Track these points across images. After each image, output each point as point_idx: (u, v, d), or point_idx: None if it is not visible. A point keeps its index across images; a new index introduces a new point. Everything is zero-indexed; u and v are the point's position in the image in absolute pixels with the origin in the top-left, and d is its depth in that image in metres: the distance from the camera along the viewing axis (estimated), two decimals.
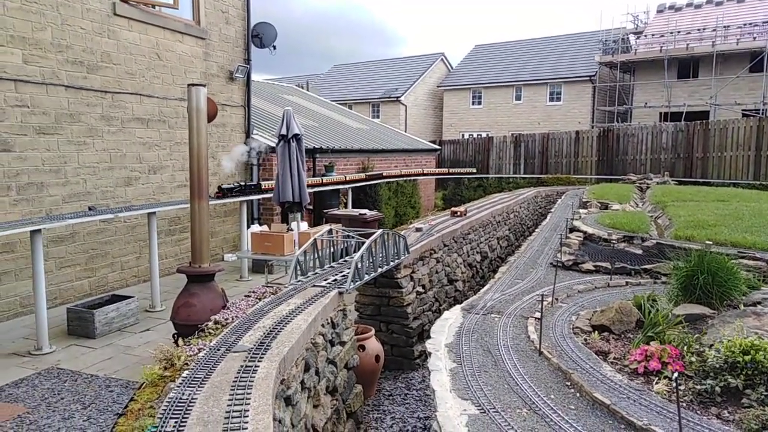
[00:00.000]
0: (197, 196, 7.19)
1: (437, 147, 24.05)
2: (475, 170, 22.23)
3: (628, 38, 32.37)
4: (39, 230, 7.12)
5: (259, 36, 13.55)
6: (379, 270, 5.97)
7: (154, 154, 10.92)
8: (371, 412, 6.00)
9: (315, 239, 5.88)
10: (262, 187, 11.28)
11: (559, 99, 33.12)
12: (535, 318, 5.03)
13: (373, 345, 5.95)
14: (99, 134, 9.74)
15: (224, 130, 12.76)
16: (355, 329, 5.52)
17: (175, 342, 6.97)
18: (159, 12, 10.86)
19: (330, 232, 6.46)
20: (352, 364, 5.09)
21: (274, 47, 13.86)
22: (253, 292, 4.95)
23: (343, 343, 4.95)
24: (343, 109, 25.01)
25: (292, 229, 9.45)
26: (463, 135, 34.43)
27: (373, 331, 6.11)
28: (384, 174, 16.74)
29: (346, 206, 14.80)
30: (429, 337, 7.72)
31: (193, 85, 7.07)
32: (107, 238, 10.02)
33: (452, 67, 39.73)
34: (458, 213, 10.82)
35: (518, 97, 34.53)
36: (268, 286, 5.28)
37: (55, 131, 9.00)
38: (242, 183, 10.98)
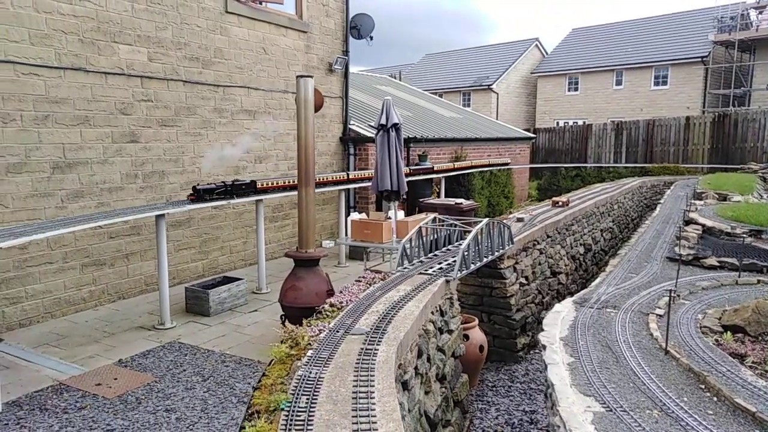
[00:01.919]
0: (304, 184, 7.46)
1: (532, 135, 23.28)
2: (586, 162, 21.24)
3: (748, 13, 29.42)
4: (163, 215, 7.71)
5: (356, 27, 13.75)
6: (485, 259, 5.88)
7: (260, 145, 11.45)
8: (475, 402, 5.96)
9: (420, 227, 5.90)
10: (258, 186, 8.99)
11: (665, 83, 30.86)
12: (657, 315, 4.73)
13: (477, 335, 5.89)
14: (212, 126, 10.36)
15: (323, 120, 13.10)
16: (461, 318, 5.48)
17: (283, 323, 7.31)
18: (265, 8, 11.32)
19: (435, 220, 6.45)
20: (458, 353, 5.07)
21: (371, 38, 14.01)
22: (363, 277, 5.06)
23: (450, 332, 4.94)
24: (435, 98, 24.87)
25: (390, 218, 9.56)
26: (557, 123, 33.10)
27: (476, 321, 6.05)
28: (477, 163, 16.47)
29: (438, 195, 14.73)
30: (530, 330, 7.57)
31: (302, 76, 7.31)
32: (218, 223, 10.67)
33: (547, 53, 38.21)
34: (560, 203, 10.41)
35: (618, 82, 32.58)
36: (375, 272, 5.37)
37: (175, 123, 9.68)
38: (231, 181, 8.62)
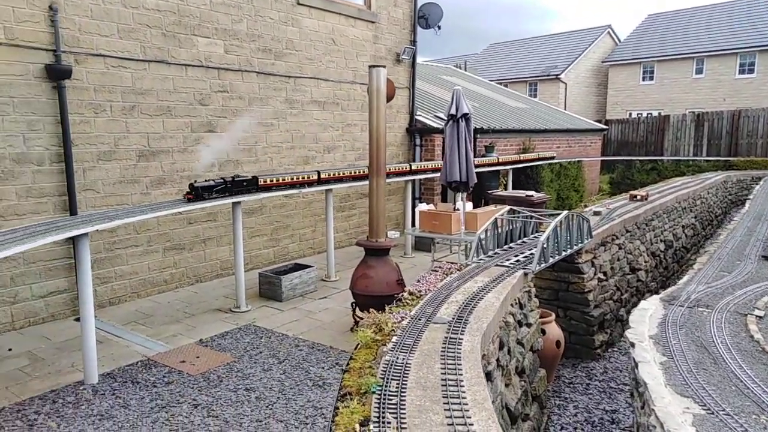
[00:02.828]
0: (376, 173, 7.49)
1: (603, 127, 22.38)
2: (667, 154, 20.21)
3: None
4: (239, 202, 7.97)
5: (424, 17, 13.63)
6: (563, 253, 5.70)
7: (329, 135, 11.60)
8: (552, 398, 5.82)
9: (496, 218, 5.79)
10: (259, 182, 8.06)
11: (751, 71, 28.80)
12: (756, 316, 4.43)
13: (554, 330, 5.74)
14: (283, 116, 10.59)
15: (390, 111, 13.09)
16: (539, 312, 5.35)
17: (353, 311, 7.42)
18: None
19: (511, 212, 6.32)
20: (536, 347, 4.95)
21: (439, 27, 13.86)
22: (440, 267, 5.03)
23: (529, 325, 4.83)
24: (501, 88, 24.36)
25: (458, 209, 9.46)
26: (630, 114, 31.63)
27: (553, 316, 5.89)
28: (545, 155, 16.01)
29: (505, 187, 14.44)
30: (608, 327, 7.27)
31: (375, 66, 7.33)
32: (288, 212, 10.92)
33: (620, 41, 36.52)
34: (638, 197, 9.95)
35: (699, 71, 30.68)
36: (452, 263, 5.32)
37: (248, 114, 9.96)
38: (231, 177, 7.75)
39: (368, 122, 7.46)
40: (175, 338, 7.05)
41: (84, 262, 5.71)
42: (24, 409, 5.25)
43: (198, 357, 6.44)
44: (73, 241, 6.47)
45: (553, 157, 16.33)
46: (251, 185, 7.93)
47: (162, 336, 7.10)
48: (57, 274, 7.63)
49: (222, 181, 7.56)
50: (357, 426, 2.39)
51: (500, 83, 30.39)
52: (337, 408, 2.57)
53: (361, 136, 12.28)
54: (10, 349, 6.60)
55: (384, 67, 7.25)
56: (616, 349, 7.23)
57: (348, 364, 3.05)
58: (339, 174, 9.58)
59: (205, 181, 7.48)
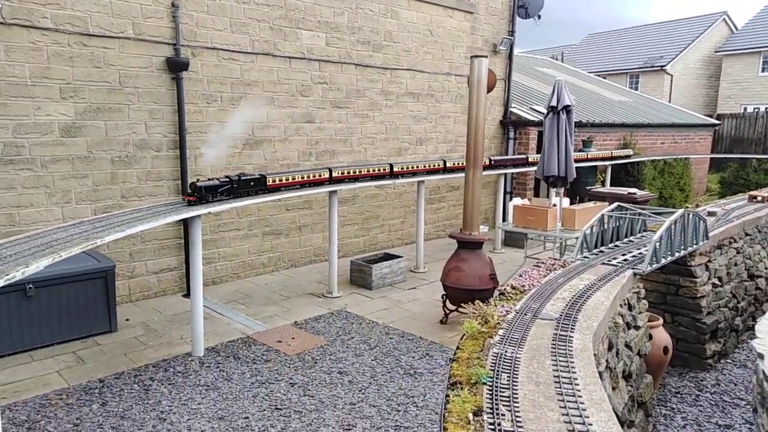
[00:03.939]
0: (472, 165, 7.39)
1: (714, 122, 20.68)
2: None
3: None
4: (335, 191, 8.17)
5: (524, 6, 13.23)
6: (676, 254, 5.34)
7: (422, 127, 11.60)
8: (658, 406, 5.49)
9: (603, 215, 5.52)
10: (267, 181, 7.11)
11: None
12: None
13: (662, 335, 5.40)
14: (378, 108, 10.72)
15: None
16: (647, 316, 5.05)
17: (444, 303, 7.40)
18: None
19: (619, 208, 6.00)
20: (644, 351, 4.69)
21: (539, 17, 13.39)
22: (543, 263, 4.89)
23: (637, 327, 4.58)
24: (600, 80, 23.19)
25: (555, 205, 9.13)
26: (745, 108, 28.99)
27: (661, 321, 5.54)
28: (648, 151, 15.06)
29: (603, 184, 13.75)
30: (722, 336, 6.71)
31: (476, 56, 7.21)
32: (379, 202, 11.07)
33: (736, 29, 33.50)
34: (759, 198, 9.11)
35: None
36: (551, 259, 5.15)
37: (345, 105, 10.17)
38: (237, 176, 6.80)
39: (467, 113, 7.37)
40: (272, 319, 7.37)
41: (196, 241, 6.11)
42: (140, 375, 5.72)
43: (293, 338, 6.70)
44: (186, 222, 6.94)
45: (658, 156, 15.34)
46: (258, 186, 6.97)
47: (260, 316, 7.46)
48: (168, 252, 8.22)
49: (227, 180, 6.59)
50: (470, 415, 2.37)
51: (599, 75, 28.92)
52: (448, 396, 2.56)
53: (454, 128, 12.18)
54: (127, 319, 7.20)
55: (486, 57, 7.13)
56: (729, 361, 6.68)
57: (455, 353, 3.04)
58: (353, 172, 8.39)
59: (208, 179, 6.52)
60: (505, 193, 12.34)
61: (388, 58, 10.69)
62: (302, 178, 7.58)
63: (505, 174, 11.95)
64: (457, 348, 3.11)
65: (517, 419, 2.36)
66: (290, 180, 7.40)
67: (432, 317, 7.50)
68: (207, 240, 8.50)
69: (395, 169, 9.05)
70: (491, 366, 2.85)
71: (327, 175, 7.92)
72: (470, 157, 7.38)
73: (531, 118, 13.11)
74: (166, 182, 8.03)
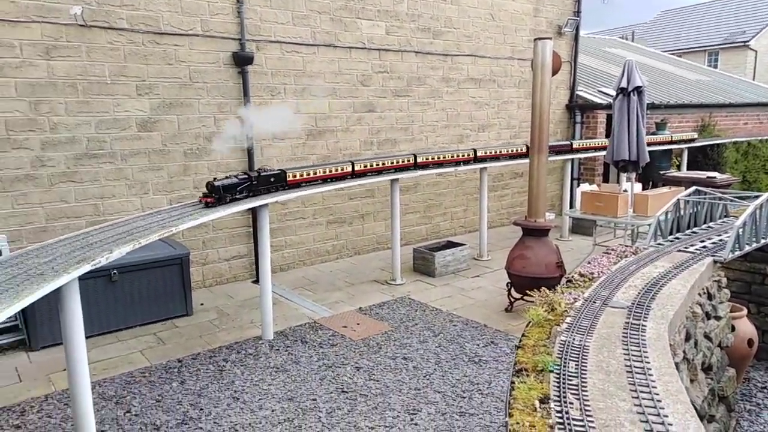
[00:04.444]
0: (537, 151, 7.21)
1: None
2: None
3: None
4: (397, 179, 8.20)
5: None
6: (762, 241, 5.00)
7: (484, 113, 11.41)
8: (741, 401, 5.21)
9: (678, 199, 5.25)
10: (288, 177, 6.63)
11: None
12: None
13: (745, 326, 5.09)
14: (439, 95, 10.63)
15: None
16: (729, 306, 4.78)
17: (509, 291, 7.29)
18: None
19: (698, 193, 5.68)
20: (725, 343, 4.44)
21: None
22: (613, 249, 4.71)
23: (718, 318, 4.34)
24: (675, 59, 21.93)
25: (625, 190, 8.76)
26: None
27: (745, 311, 5.22)
28: (729, 133, 14.11)
29: (679, 168, 13.03)
30: None
31: (540, 38, 7.01)
32: (441, 190, 11.01)
33: None
34: None
35: None
36: (622, 245, 4.95)
37: (406, 93, 10.15)
38: (258, 172, 6.34)
39: (531, 98, 7.18)
40: (337, 304, 7.53)
41: (264, 229, 6.33)
42: (215, 356, 6.01)
43: (358, 324, 6.82)
44: (254, 211, 7.19)
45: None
46: (279, 181, 6.52)
47: (325, 302, 7.64)
48: (239, 240, 8.56)
49: (246, 177, 6.10)
50: (536, 402, 2.35)
51: (673, 54, 27.32)
52: (513, 383, 2.54)
53: (518, 114, 11.90)
54: (201, 304, 7.58)
55: (551, 38, 6.92)
56: None
57: (520, 341, 3.00)
58: (382, 163, 7.95)
59: (226, 177, 5.98)
60: (572, 179, 11.95)
61: (449, 45, 10.56)
62: (324, 172, 7.17)
63: (572, 159, 11.57)
64: (523, 335, 3.07)
65: (586, 408, 2.31)
66: (311, 175, 6.96)
67: (496, 305, 7.42)
68: (274, 228, 8.76)
69: (450, 157, 9.00)
70: (558, 354, 2.80)
71: (349, 169, 7.42)
72: (534, 143, 7.20)
73: (599, 101, 12.59)
74: (234, 173, 8.32)
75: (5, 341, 6.19)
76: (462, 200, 11.37)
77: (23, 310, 6.04)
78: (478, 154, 9.24)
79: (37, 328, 6.10)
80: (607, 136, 10.09)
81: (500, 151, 9.55)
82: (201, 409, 4.92)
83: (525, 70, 11.58)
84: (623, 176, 9.55)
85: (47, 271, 3.64)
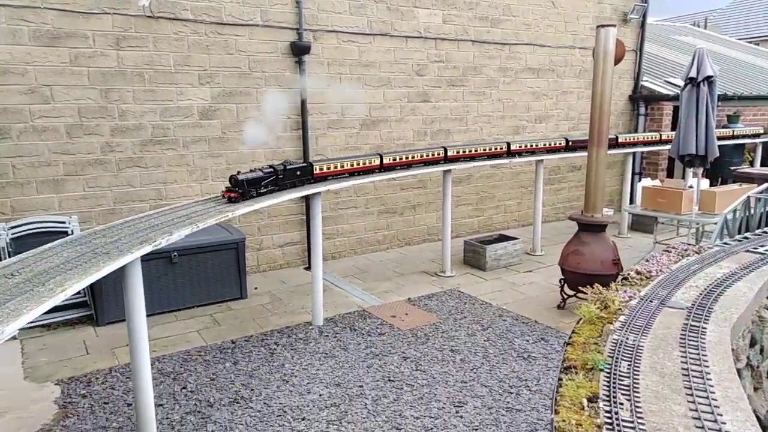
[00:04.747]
0: (596, 144, 6.97)
1: None
2: None
3: None
4: (449, 170, 8.13)
5: None
6: None
7: (541, 104, 11.11)
8: None
9: (749, 197, 4.95)
10: (315, 171, 6.36)
11: None
12: None
13: None
14: (495, 85, 10.43)
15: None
16: None
17: (561, 288, 7.11)
18: None
19: None
20: None
21: None
22: (674, 248, 4.51)
23: None
24: (752, 47, 20.57)
25: (691, 186, 8.34)
26: None
27: None
28: None
29: (752, 164, 12.27)
30: None
31: (603, 25, 6.74)
32: (494, 182, 10.84)
33: None
34: None
35: None
36: (683, 244, 4.73)
37: (461, 83, 10.02)
38: (283, 165, 5.99)
39: (592, 87, 6.93)
40: (386, 294, 7.58)
41: (316, 217, 6.43)
42: (266, 339, 6.19)
43: (407, 314, 6.85)
44: (308, 198, 7.33)
45: None
46: (305, 175, 6.24)
47: (375, 291, 7.70)
48: (292, 227, 8.75)
49: (272, 170, 5.81)
50: (584, 401, 2.29)
51: (751, 42, 25.62)
52: (561, 379, 2.49)
53: (577, 105, 11.52)
54: (255, 288, 7.81)
55: (614, 25, 6.64)
56: None
57: (570, 337, 2.93)
58: (411, 156, 7.60)
59: (251, 171, 5.74)
60: (633, 173, 11.48)
61: (507, 34, 10.33)
62: (351, 165, 6.82)
63: (634, 153, 11.11)
64: (573, 332, 2.99)
65: (638, 410, 2.23)
66: (338, 168, 6.63)
67: (548, 302, 7.26)
68: (327, 217, 8.89)
69: (512, 148, 8.78)
70: (610, 352, 2.72)
71: (378, 162, 7.15)
72: (594, 135, 6.95)
73: (665, 91, 12.00)
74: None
75: (75, 316, 6.61)
76: (516, 193, 11.16)
77: (91, 288, 6.43)
78: (520, 147, 8.92)
79: (103, 304, 6.47)
80: (673, 129, 9.62)
81: (536, 145, 9.09)
82: (252, 390, 5.09)
83: (586, 59, 11.19)
84: (689, 171, 9.08)
85: (112, 250, 3.85)
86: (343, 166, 6.75)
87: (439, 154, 7.95)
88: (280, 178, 5.88)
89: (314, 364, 5.59)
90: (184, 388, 5.14)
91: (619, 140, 10.12)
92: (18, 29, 6.44)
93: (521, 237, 9.31)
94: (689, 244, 4.62)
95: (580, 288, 6.57)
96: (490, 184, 10.76)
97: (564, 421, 2.12)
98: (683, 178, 9.93)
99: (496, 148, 8.64)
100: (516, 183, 11.06)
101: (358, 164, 6.95)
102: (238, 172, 5.57)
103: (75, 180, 7.04)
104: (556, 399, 2.33)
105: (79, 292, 6.56)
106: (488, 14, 10.04)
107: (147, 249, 3.96)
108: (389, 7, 8.96)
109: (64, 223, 6.71)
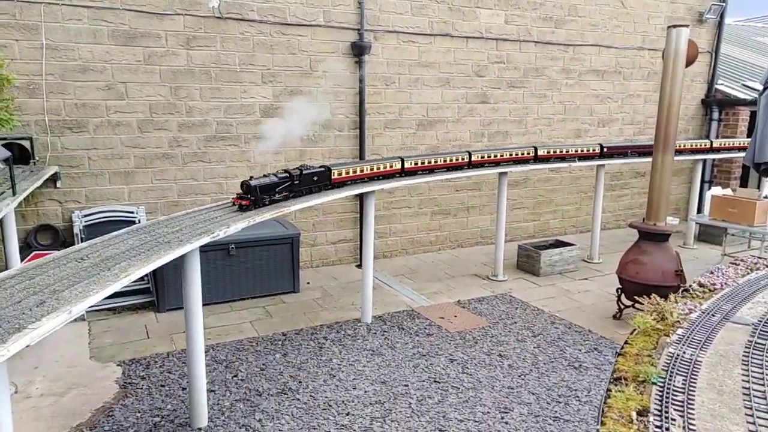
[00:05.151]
0: (662, 149, 6.67)
1: None
2: None
3: None
4: (505, 173, 8.00)
5: None
6: None
7: (605, 107, 10.74)
8: None
9: None
10: (332, 175, 5.95)
11: None
12: None
13: None
14: (557, 87, 10.17)
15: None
16: None
17: (618, 297, 6.86)
18: None
19: None
20: None
21: None
22: (742, 260, 4.25)
23: None
24: None
25: (766, 197, 7.84)
26: None
27: None
28: None
29: None
30: None
31: (675, 26, 6.45)
32: (552, 186, 10.57)
33: None
34: None
35: None
36: (754, 257, 4.45)
37: (522, 85, 9.84)
38: (299, 170, 5.58)
39: (660, 90, 6.64)
40: (436, 295, 7.55)
41: (369, 215, 6.50)
42: (316, 333, 6.31)
43: (456, 316, 6.80)
44: (361, 197, 7.40)
45: None
46: (322, 180, 5.84)
47: (424, 291, 7.69)
48: (345, 225, 8.87)
49: (287, 176, 5.40)
50: (633, 414, 2.20)
51: None
52: (610, 390, 2.40)
53: (644, 109, 11.07)
54: (308, 283, 7.97)
55: (687, 26, 6.33)
56: None
57: (622, 347, 2.83)
58: (434, 161, 7.17)
59: (264, 176, 5.27)
60: (702, 181, 10.91)
61: (572, 34, 10.05)
62: (371, 170, 6.44)
63: (704, 160, 10.55)
64: (626, 342, 2.88)
65: (691, 427, 2.12)
66: (356, 173, 6.25)
67: (603, 311, 7.01)
68: (380, 216, 8.96)
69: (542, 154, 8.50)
70: (664, 366, 2.60)
71: (399, 167, 6.77)
72: (660, 140, 6.66)
73: (742, 96, 11.32)
74: (346, 160, 8.63)
75: (138, 301, 6.97)
76: (575, 198, 10.84)
77: (154, 275, 6.76)
78: (539, 153, 8.22)
79: (164, 292, 6.79)
80: (749, 135, 9.06)
81: (566, 151, 8.45)
82: (300, 382, 5.20)
83: (656, 61, 10.73)
84: (765, 181, 8.54)
85: (174, 240, 4.04)
86: (362, 171, 6.36)
87: (463, 159, 7.43)
88: (296, 184, 5.49)
89: (361, 360, 5.65)
90: (235, 376, 5.32)
91: (687, 146, 9.63)
92: (98, 29, 6.86)
93: (578, 243, 9.04)
94: (760, 258, 4.34)
95: (637, 298, 6.35)
96: (548, 188, 10.51)
97: None
98: (758, 187, 9.34)
99: (520, 153, 8.01)
100: (575, 188, 10.75)
101: (378, 168, 6.57)
102: (251, 178, 5.12)
103: (144, 172, 7.43)
104: (603, 410, 2.26)
105: (142, 279, 6.94)
106: (553, 14, 9.81)
107: (205, 240, 4.13)
108: (451, 7, 8.91)
109: (132, 212, 7.10)
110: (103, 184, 7.24)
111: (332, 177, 5.96)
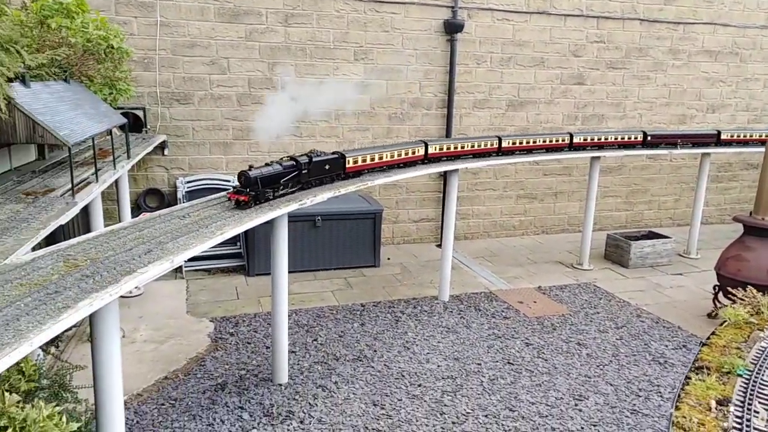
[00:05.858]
0: None
1: None
2: None
3: None
4: (598, 157, 7.66)
5: None
6: None
7: (716, 91, 9.92)
8: None
9: None
10: (347, 163, 5.20)
11: None
12: None
13: None
14: (662, 69, 9.52)
15: None
16: None
17: (715, 296, 6.41)
18: None
19: None
20: None
21: None
22: None
23: None
24: None
25: None
26: None
27: None
28: None
29: None
30: None
31: None
32: (650, 175, 9.98)
33: None
34: None
35: None
36: None
37: (623, 66, 9.30)
38: (308, 157, 4.84)
39: None
40: (516, 280, 7.44)
41: (452, 194, 6.50)
42: (393, 307, 6.46)
43: (535, 302, 6.68)
44: (446, 175, 7.41)
45: None
46: (335, 169, 5.07)
47: (504, 275, 7.60)
48: (428, 204, 8.92)
49: (293, 165, 4.66)
50: (713, 402, 2.12)
51: None
52: (689, 378, 2.31)
53: (762, 94, 10.11)
54: (388, 258, 8.13)
55: None
56: None
57: (708, 338, 2.69)
58: (461, 146, 6.43)
59: (265, 165, 4.54)
60: None
61: (683, 11, 9.33)
62: (391, 157, 5.73)
63: None
64: (713, 333, 2.75)
65: None
66: (375, 160, 5.54)
67: (697, 308, 6.60)
68: (463, 197, 8.91)
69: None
70: (753, 359, 2.46)
71: (422, 153, 6.05)
72: None
73: None
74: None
75: (230, 264, 7.47)
76: (674, 189, 10.17)
77: (246, 241, 7.21)
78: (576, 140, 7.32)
79: (254, 257, 7.23)
80: None
81: (604, 138, 7.63)
82: (375, 351, 5.38)
83: None
84: None
85: (265, 206, 4.30)
86: (381, 158, 5.61)
87: (492, 145, 6.77)
88: (304, 174, 4.73)
89: (436, 336, 5.73)
90: (315, 340, 5.59)
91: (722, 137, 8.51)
92: (206, 7, 7.31)
93: (674, 236, 8.51)
94: None
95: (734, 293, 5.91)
96: (645, 176, 9.94)
97: (684, 417, 1.99)
98: None
99: (557, 140, 7.25)
100: (675, 178, 10.07)
101: (399, 155, 5.82)
102: (250, 167, 4.35)
103: (240, 144, 7.88)
104: (679, 395, 2.19)
105: (235, 244, 7.43)
106: None
107: (293, 207, 4.36)
108: None
109: (229, 181, 7.58)
110: (204, 153, 7.77)
111: (347, 165, 5.18)
